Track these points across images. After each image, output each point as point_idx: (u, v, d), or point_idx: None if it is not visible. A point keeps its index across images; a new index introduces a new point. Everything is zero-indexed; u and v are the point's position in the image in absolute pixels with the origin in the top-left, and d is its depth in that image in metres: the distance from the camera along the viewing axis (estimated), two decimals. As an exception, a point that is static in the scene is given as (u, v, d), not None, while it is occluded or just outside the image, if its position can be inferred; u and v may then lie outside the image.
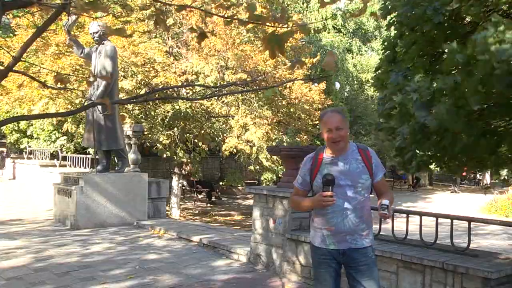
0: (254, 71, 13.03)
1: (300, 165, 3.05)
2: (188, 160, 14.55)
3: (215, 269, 5.55)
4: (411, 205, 18.59)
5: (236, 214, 17.03)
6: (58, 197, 8.71)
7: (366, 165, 2.86)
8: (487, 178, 26.34)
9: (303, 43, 16.56)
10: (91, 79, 6.92)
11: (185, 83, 12.43)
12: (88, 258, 5.95)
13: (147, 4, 12.20)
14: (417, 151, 3.98)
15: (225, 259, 5.99)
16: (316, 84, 14.91)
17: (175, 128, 13.60)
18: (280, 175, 12.01)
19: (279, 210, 5.34)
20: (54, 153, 15.82)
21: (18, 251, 6.24)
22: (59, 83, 2.84)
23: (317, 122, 13.86)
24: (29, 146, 17.05)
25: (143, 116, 13.48)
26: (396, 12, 4.27)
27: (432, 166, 4.48)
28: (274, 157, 13.07)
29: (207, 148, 14.45)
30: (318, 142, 17.10)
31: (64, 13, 2.47)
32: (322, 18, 26.35)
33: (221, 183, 21.82)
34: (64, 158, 14.50)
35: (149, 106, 13.10)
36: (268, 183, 16.88)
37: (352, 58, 29.33)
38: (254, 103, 13.64)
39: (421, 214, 4.58)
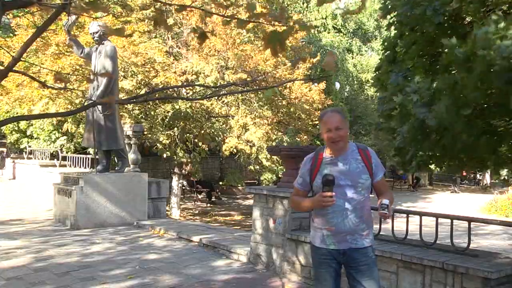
0: (254, 71, 13.02)
1: (300, 165, 3.05)
2: (188, 160, 14.54)
3: (215, 269, 5.55)
4: (411, 205, 18.58)
5: (236, 214, 17.03)
6: (58, 197, 8.72)
7: (366, 165, 2.86)
8: (487, 178, 26.36)
9: (303, 43, 16.57)
10: (92, 77, 6.93)
11: (185, 83, 12.43)
12: (88, 258, 5.95)
13: (147, 4, 12.22)
14: (417, 151, 3.98)
15: (225, 259, 5.99)
16: (316, 84, 14.89)
17: (175, 128, 13.60)
18: (280, 175, 12.01)
19: (279, 210, 5.34)
20: (54, 153, 15.83)
21: (18, 251, 6.24)
22: (58, 82, 2.84)
23: (317, 122, 13.84)
24: (29, 146, 17.05)
25: (143, 116, 13.48)
26: (396, 12, 4.27)
27: (432, 166, 4.48)
28: (274, 157, 13.07)
29: (207, 148, 14.43)
30: (318, 142, 17.08)
31: (64, 13, 2.47)
32: (322, 17, 26.35)
33: (221, 183, 21.81)
34: (64, 158, 14.51)
35: (149, 106, 13.10)
36: (268, 183, 16.83)
37: (352, 58, 29.34)
38: (254, 103, 13.65)
39: (421, 214, 4.58)
